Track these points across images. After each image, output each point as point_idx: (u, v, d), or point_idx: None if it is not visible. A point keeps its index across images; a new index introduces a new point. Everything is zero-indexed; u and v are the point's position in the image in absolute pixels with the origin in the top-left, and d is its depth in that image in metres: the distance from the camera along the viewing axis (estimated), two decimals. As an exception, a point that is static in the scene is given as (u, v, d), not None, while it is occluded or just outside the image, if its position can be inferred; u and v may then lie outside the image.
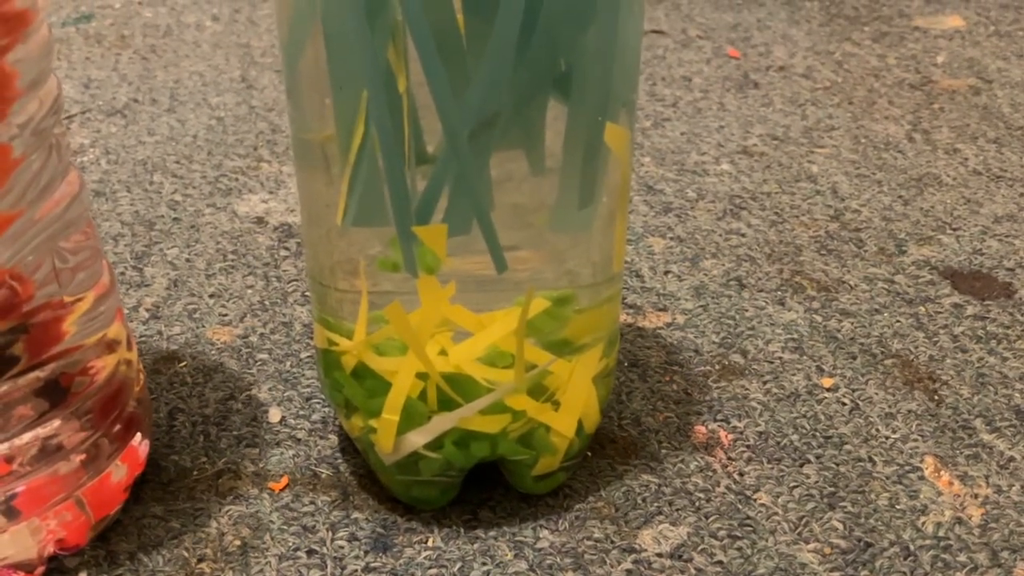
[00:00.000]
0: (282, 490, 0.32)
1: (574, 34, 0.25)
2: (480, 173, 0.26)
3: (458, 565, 0.30)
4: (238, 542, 0.31)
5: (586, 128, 0.27)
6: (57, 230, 0.28)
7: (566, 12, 0.25)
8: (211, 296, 0.41)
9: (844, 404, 0.36)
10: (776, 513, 0.32)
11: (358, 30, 0.25)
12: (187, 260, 0.44)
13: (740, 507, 0.32)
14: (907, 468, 0.34)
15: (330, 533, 0.31)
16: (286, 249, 0.45)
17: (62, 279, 0.28)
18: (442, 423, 0.29)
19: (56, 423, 0.29)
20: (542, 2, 0.24)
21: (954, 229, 0.47)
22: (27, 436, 0.28)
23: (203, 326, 0.40)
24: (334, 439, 0.34)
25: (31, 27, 0.25)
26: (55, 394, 0.29)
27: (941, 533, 0.31)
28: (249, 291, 0.42)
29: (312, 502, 0.32)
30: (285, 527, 0.31)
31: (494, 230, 0.26)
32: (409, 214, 0.26)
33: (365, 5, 0.24)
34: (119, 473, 0.31)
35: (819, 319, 0.41)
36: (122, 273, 0.43)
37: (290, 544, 0.30)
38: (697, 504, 0.32)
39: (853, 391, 0.37)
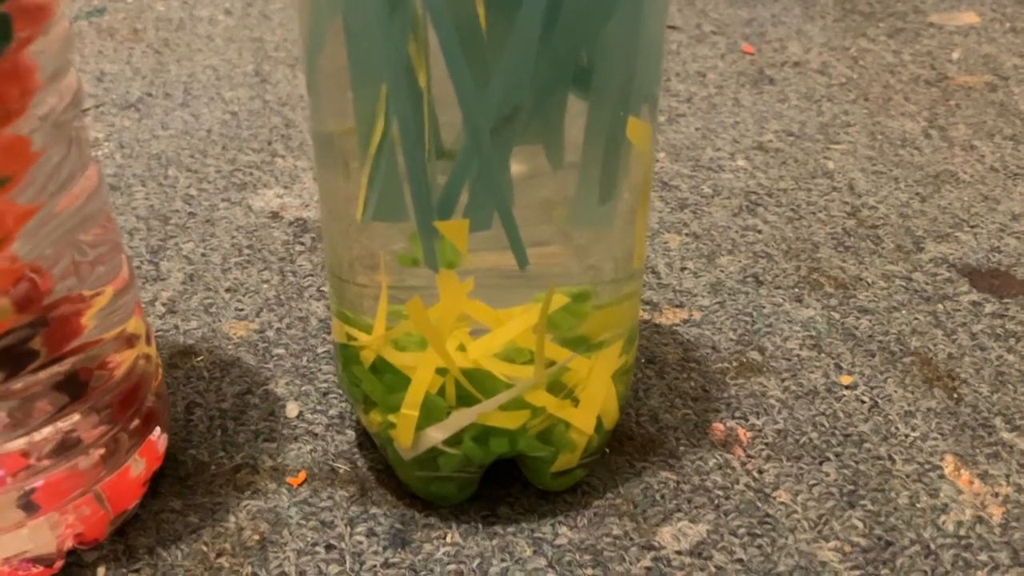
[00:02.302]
0: (300, 485, 0.32)
1: (596, 27, 0.25)
2: (501, 168, 0.26)
3: (476, 561, 0.30)
4: (257, 536, 0.30)
5: (607, 123, 0.26)
6: (76, 224, 0.27)
7: (589, 4, 0.24)
8: (227, 291, 0.41)
9: (863, 402, 0.36)
10: (796, 511, 0.32)
11: (379, 23, 0.25)
12: (202, 255, 0.44)
13: (759, 505, 0.32)
14: (927, 466, 0.33)
15: (348, 528, 0.31)
16: (301, 244, 0.45)
17: (81, 273, 0.28)
18: (461, 419, 0.29)
19: (75, 418, 0.29)
20: (565, -5, 0.24)
21: (972, 227, 0.47)
22: (46, 431, 0.28)
23: (219, 320, 0.40)
24: (351, 434, 0.34)
25: (52, 19, 0.25)
26: (74, 389, 0.29)
27: (962, 532, 0.31)
28: (265, 286, 0.42)
29: (330, 497, 0.32)
30: (303, 522, 0.31)
31: (515, 225, 0.26)
32: (430, 209, 0.26)
33: (386, -2, 0.24)
34: (137, 467, 0.31)
35: (837, 316, 0.41)
36: (138, 267, 0.43)
37: (308, 539, 0.30)
38: (716, 502, 0.32)
39: (872, 389, 0.37)
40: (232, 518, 0.31)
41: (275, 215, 0.47)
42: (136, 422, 0.31)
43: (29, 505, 0.28)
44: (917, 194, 0.50)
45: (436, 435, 0.29)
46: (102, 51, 0.65)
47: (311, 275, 0.43)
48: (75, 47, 0.26)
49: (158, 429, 0.31)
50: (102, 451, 0.29)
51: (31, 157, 0.26)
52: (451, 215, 0.26)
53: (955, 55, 0.66)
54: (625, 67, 0.26)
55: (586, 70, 0.25)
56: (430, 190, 0.26)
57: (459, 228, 0.26)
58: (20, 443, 0.28)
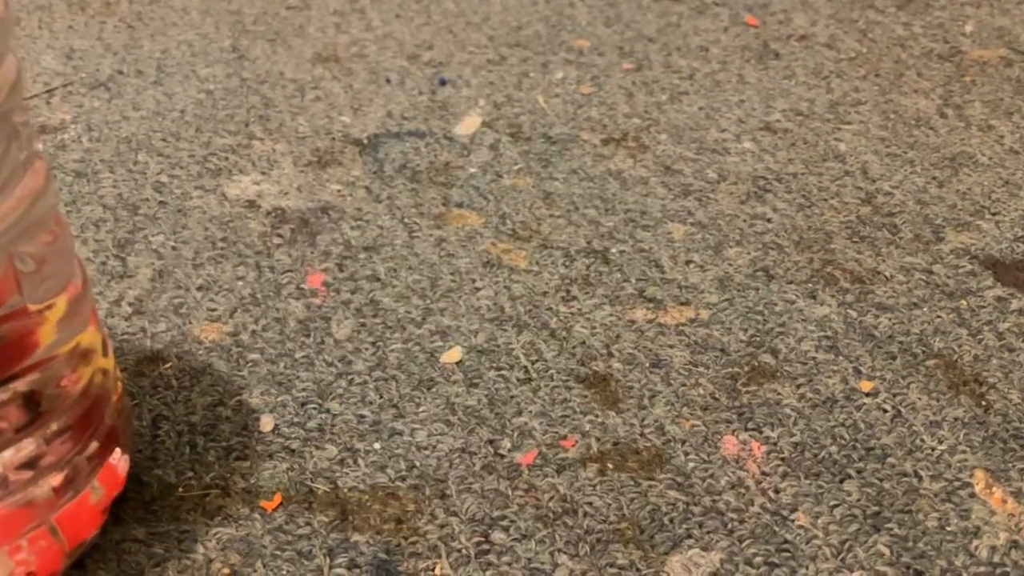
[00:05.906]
0: (275, 509, 0.30)
1: None
2: None
3: (469, 596, 0.27)
4: (227, 570, 0.28)
5: None
6: (19, 232, 0.24)
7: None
8: (199, 289, 0.38)
9: (885, 411, 0.33)
10: (816, 536, 0.29)
11: None
12: (173, 248, 0.41)
13: (777, 529, 0.29)
14: (956, 483, 0.31)
15: (328, 559, 0.28)
16: (279, 236, 0.42)
17: (24, 286, 0.25)
18: None
19: (29, 444, 0.26)
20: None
21: (993, 214, 0.44)
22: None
23: (190, 322, 0.37)
24: (331, 449, 0.32)
25: (-19, 3, 0.22)
26: (28, 413, 0.26)
27: (996, 559, 0.29)
28: (240, 283, 0.39)
29: (308, 523, 0.29)
30: (278, 552, 0.28)
31: None
32: None
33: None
34: (96, 495, 0.28)
35: (854, 314, 0.38)
36: (103, 263, 0.40)
37: (284, 572, 0.28)
38: (730, 526, 0.29)
39: (894, 396, 0.34)
40: (200, 548, 0.28)
41: (251, 204, 0.44)
42: (94, 444, 0.28)
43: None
44: (934, 178, 0.47)
45: None
46: (72, 26, 0.61)
47: (290, 271, 0.40)
48: (12, 34, 0.23)
49: (118, 451, 0.29)
50: (59, 480, 0.27)
51: (-37, 158, 0.23)
52: None
53: (968, 28, 0.63)
54: None
55: None
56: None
57: None
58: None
